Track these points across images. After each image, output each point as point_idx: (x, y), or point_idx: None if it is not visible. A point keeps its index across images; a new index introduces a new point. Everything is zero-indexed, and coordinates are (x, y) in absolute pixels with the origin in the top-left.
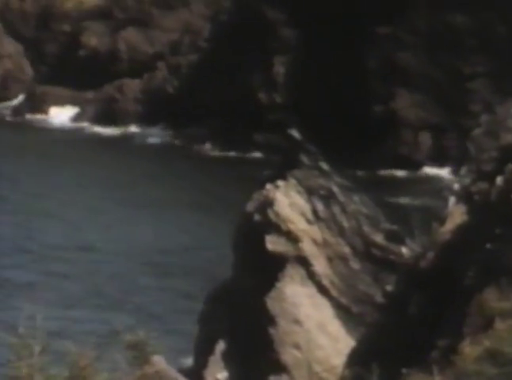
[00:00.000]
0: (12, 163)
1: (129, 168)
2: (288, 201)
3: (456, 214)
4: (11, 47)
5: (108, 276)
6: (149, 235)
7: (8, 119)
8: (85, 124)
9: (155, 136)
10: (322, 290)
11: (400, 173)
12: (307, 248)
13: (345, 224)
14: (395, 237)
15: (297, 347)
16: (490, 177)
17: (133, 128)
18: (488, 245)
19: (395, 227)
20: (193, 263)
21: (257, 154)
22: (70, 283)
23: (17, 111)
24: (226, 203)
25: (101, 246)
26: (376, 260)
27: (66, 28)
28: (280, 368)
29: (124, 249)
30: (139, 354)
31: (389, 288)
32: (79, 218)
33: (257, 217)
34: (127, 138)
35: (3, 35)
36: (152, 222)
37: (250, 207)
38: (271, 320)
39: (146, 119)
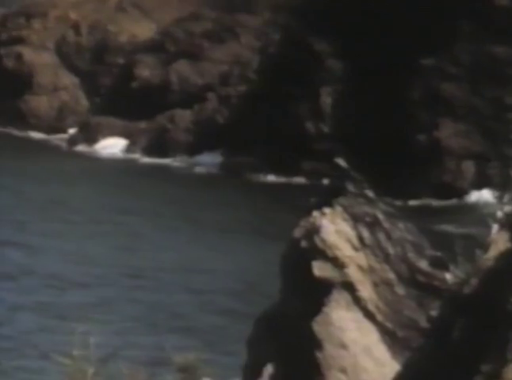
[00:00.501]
0: (66, 191)
1: (180, 196)
2: (335, 228)
3: (500, 241)
4: (67, 79)
5: (162, 300)
6: (207, 258)
7: (63, 149)
8: (137, 154)
9: (206, 165)
10: (368, 315)
11: (444, 201)
12: (353, 274)
13: (391, 251)
14: (439, 264)
15: (343, 371)
16: None
17: (184, 157)
18: None
19: (439, 254)
20: (243, 285)
21: (304, 182)
22: (123, 305)
23: (72, 141)
24: (276, 228)
25: (157, 272)
26: (421, 286)
27: (120, 60)
28: None
29: (178, 273)
30: (190, 376)
31: (433, 314)
32: (134, 243)
33: (304, 243)
34: (178, 168)
35: (60, 68)
36: (211, 246)
37: (298, 233)
38: (318, 344)
39: (196, 149)
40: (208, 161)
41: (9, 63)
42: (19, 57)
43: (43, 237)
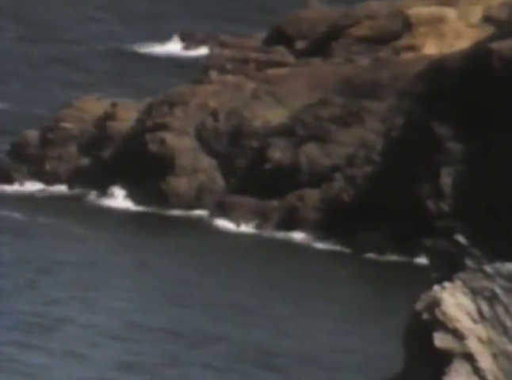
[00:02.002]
0: (202, 265)
1: (303, 272)
2: (455, 301)
3: None
4: (205, 161)
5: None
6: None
7: (202, 226)
8: (269, 230)
9: (331, 242)
10: None
11: None
12: (473, 345)
13: (509, 324)
14: None
15: None
16: None
17: (311, 234)
18: None
19: None
20: (367, 357)
21: (425, 260)
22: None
23: (210, 218)
24: (396, 302)
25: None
26: None
27: (254, 144)
28: None
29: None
30: None
31: None
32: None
33: (425, 315)
34: (306, 244)
35: (199, 151)
36: (337, 320)
37: (419, 306)
38: None
39: (323, 226)
40: (333, 237)
41: (154, 148)
42: (162, 142)
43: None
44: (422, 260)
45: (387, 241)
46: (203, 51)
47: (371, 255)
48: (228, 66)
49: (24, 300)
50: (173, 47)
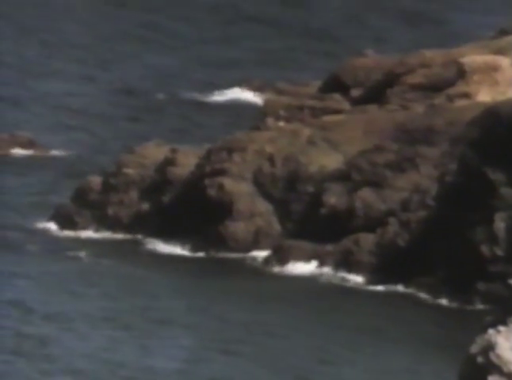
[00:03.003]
0: (259, 309)
1: (358, 314)
2: (509, 345)
3: None
4: (262, 206)
5: None
6: None
7: (259, 270)
8: (324, 274)
9: (386, 285)
10: None
11: None
12: None
13: None
14: None
15: None
16: None
17: (367, 278)
18: None
19: None
20: None
21: (479, 304)
22: None
23: (267, 262)
24: (451, 346)
25: None
26: None
27: (310, 189)
28: None
29: None
30: None
31: None
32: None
33: (480, 359)
34: (361, 288)
35: (256, 196)
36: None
37: (474, 349)
38: None
39: (378, 270)
40: (388, 280)
41: (212, 192)
42: (221, 187)
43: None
44: (477, 304)
45: (442, 284)
46: (260, 98)
47: (425, 298)
48: (284, 113)
49: (77, 347)
50: (231, 94)
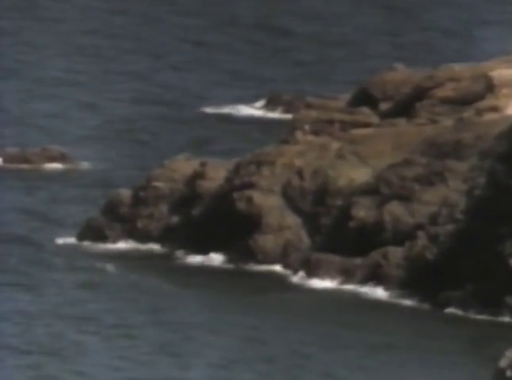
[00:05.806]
0: (288, 324)
1: (388, 328)
2: None
3: None
4: (291, 219)
5: None
6: None
7: (288, 283)
8: (353, 288)
9: (414, 299)
10: None
11: None
12: None
13: None
14: None
15: None
16: None
17: (395, 291)
18: None
19: None
20: None
21: (508, 318)
22: None
23: (295, 276)
24: (481, 360)
25: None
26: None
27: (339, 202)
28: None
29: None
30: None
31: None
32: None
33: (509, 373)
34: (390, 301)
35: (285, 209)
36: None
37: (503, 363)
38: None
39: (406, 283)
40: (416, 294)
41: (241, 206)
42: (250, 200)
43: None
44: (506, 318)
45: (471, 298)
46: (289, 112)
47: (454, 312)
48: (313, 126)
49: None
50: (260, 108)
